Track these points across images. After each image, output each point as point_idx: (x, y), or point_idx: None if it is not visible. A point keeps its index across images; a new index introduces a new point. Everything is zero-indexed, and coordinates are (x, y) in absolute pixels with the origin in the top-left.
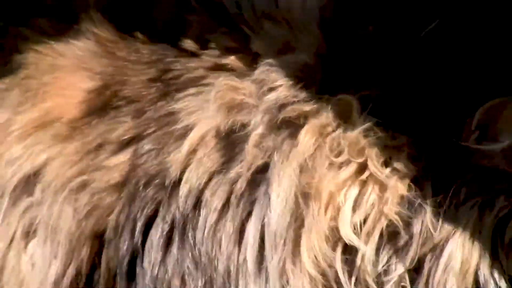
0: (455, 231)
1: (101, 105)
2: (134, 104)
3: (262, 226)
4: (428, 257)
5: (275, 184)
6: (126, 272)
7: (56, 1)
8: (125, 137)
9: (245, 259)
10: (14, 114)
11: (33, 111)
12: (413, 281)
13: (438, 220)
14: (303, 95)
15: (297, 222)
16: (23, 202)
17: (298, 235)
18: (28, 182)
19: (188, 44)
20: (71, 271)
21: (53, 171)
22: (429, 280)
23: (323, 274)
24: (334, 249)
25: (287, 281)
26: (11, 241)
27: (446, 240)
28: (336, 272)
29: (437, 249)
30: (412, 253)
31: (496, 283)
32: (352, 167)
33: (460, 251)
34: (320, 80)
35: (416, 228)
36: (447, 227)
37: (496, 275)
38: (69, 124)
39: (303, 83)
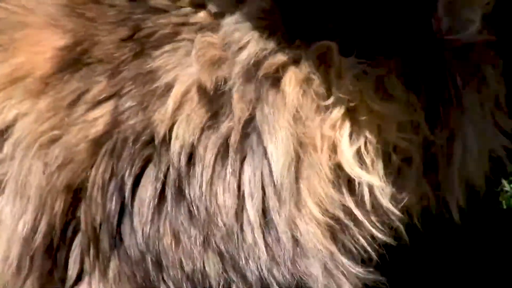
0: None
1: (73, 61)
2: (107, 64)
3: (262, 178)
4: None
5: (271, 136)
6: (115, 230)
7: None
8: (101, 97)
9: (248, 212)
10: None
11: (4, 66)
12: None
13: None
14: (272, 45)
15: (299, 171)
16: None
17: (301, 183)
18: None
19: (157, 1)
20: (43, 227)
21: (24, 127)
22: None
23: (332, 218)
24: (340, 190)
25: (297, 230)
26: None
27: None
28: (345, 213)
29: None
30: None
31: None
32: (342, 107)
33: (475, 139)
34: (282, 22)
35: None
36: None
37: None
38: (41, 79)
39: (268, 31)
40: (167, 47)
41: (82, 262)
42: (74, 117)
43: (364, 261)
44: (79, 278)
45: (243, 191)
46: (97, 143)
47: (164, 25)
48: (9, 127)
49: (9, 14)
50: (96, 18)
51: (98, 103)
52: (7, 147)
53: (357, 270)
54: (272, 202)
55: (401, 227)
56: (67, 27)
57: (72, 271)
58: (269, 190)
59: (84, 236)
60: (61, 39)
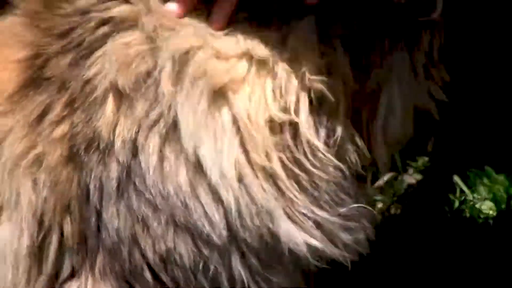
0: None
1: (35, 76)
2: (59, 76)
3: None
4: (365, 110)
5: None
6: (96, 230)
7: None
8: (62, 113)
9: (200, 184)
10: None
11: None
12: None
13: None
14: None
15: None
16: None
17: (244, 145)
18: None
19: (81, 2)
20: (39, 238)
21: (3, 149)
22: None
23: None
24: (280, 137)
25: (244, 186)
26: None
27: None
28: (289, 158)
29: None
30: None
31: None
32: (253, 64)
33: (399, 97)
34: None
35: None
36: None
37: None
38: (8, 99)
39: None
40: (98, 52)
41: (73, 262)
42: (45, 134)
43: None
44: (71, 275)
45: (193, 166)
46: (69, 159)
47: (92, 28)
48: None
49: None
50: (47, 29)
51: (60, 120)
52: None
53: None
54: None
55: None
56: (27, 39)
57: (65, 271)
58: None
59: (74, 239)
60: (22, 51)
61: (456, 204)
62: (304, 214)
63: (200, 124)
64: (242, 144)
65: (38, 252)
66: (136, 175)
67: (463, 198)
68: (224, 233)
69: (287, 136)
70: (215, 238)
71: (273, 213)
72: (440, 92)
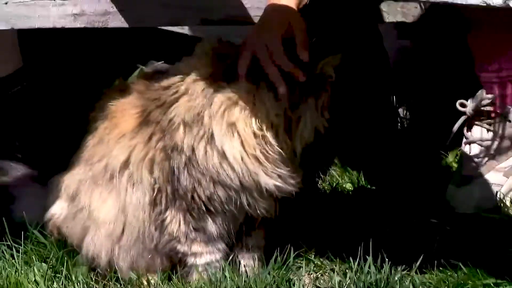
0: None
1: (144, 121)
2: (156, 119)
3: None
4: (294, 125)
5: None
6: (175, 188)
7: None
8: (160, 136)
9: (221, 163)
10: None
11: (112, 128)
12: None
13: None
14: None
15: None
16: None
17: (243, 144)
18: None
19: (164, 83)
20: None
21: (132, 156)
22: None
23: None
24: (258, 140)
25: (244, 163)
26: None
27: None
28: (262, 149)
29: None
30: None
31: None
32: (241, 109)
33: (309, 121)
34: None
35: None
36: None
37: None
38: (131, 132)
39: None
40: (174, 106)
41: (167, 203)
42: (152, 147)
43: None
44: (165, 209)
45: (220, 155)
46: (166, 157)
47: (170, 95)
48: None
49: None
50: (148, 98)
51: (159, 139)
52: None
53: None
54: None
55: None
56: (138, 104)
57: (163, 207)
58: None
59: (168, 193)
60: (135, 109)
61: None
62: (272, 172)
63: (223, 135)
64: (242, 144)
65: (153, 202)
66: (194, 159)
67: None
68: (238, 184)
69: (261, 139)
70: (234, 186)
71: (258, 173)
72: (325, 122)
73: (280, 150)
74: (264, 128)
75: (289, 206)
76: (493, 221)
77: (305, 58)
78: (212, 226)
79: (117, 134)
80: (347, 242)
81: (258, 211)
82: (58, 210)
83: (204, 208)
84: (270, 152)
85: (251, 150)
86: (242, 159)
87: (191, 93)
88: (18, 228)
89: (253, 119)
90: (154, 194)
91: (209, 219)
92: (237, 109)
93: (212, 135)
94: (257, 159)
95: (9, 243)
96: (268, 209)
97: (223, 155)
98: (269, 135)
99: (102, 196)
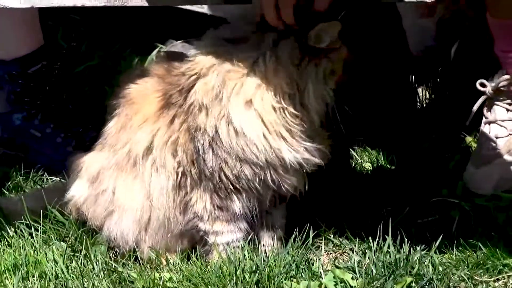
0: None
1: (165, 103)
2: (178, 103)
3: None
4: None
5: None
6: (201, 168)
7: None
8: (183, 119)
9: (244, 141)
10: None
11: (136, 111)
12: None
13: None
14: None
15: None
16: None
17: (263, 120)
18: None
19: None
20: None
21: (155, 140)
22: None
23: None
24: (278, 114)
25: (266, 139)
26: None
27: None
28: (284, 123)
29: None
30: None
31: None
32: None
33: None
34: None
35: None
36: None
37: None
38: (154, 114)
39: None
40: (192, 89)
41: (192, 184)
42: (175, 129)
43: None
44: (191, 191)
45: (241, 134)
46: (190, 139)
47: (187, 78)
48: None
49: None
50: (168, 82)
51: (182, 122)
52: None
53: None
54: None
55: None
56: (159, 88)
57: (189, 189)
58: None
59: (193, 173)
60: (157, 93)
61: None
62: (297, 146)
63: (241, 114)
64: (262, 121)
65: (177, 186)
66: (217, 139)
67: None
68: (264, 161)
69: (281, 112)
70: (260, 163)
71: (281, 149)
72: (330, 91)
73: (301, 122)
74: (282, 100)
75: (310, 184)
76: None
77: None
78: (236, 205)
79: (139, 119)
80: (366, 222)
81: (285, 188)
82: (79, 191)
83: (231, 187)
84: (293, 125)
85: (272, 126)
86: (264, 136)
87: (205, 75)
88: None
89: (269, 93)
90: (178, 179)
91: (235, 198)
92: (251, 84)
93: (231, 117)
94: (279, 134)
95: (28, 221)
96: (297, 185)
97: (244, 135)
98: (288, 107)
99: (127, 182)
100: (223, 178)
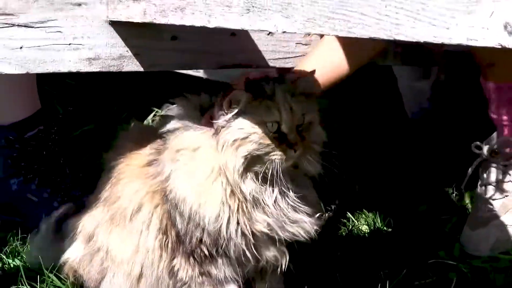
0: None
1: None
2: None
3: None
4: None
5: None
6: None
7: None
8: None
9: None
10: None
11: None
12: None
13: None
14: None
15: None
16: None
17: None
18: None
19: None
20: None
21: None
22: None
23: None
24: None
25: None
26: None
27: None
28: None
29: None
30: None
31: None
32: None
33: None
34: None
35: None
36: None
37: None
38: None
39: None
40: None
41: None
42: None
43: None
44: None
45: None
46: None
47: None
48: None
49: None
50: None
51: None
52: None
53: None
54: None
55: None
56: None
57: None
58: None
59: (173, 236)
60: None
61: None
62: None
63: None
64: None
65: (164, 247)
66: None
67: None
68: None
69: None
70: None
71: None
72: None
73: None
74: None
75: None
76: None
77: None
78: (216, 270)
79: (131, 174)
80: (364, 285)
81: (264, 258)
82: (74, 252)
83: (205, 252)
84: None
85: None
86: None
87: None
88: (34, 271)
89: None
90: (163, 239)
91: (213, 264)
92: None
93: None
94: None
95: (25, 286)
96: (279, 257)
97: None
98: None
99: (121, 236)
100: (193, 241)
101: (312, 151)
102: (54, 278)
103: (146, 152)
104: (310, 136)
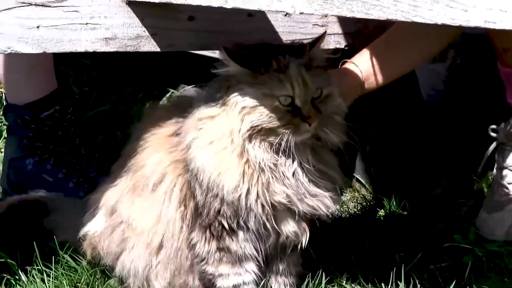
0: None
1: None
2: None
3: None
4: None
5: None
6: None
7: None
8: None
9: None
10: None
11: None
12: None
13: None
14: None
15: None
16: None
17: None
18: None
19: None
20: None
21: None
22: None
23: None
24: None
25: None
26: None
27: None
28: None
29: None
30: None
31: None
32: None
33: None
34: None
35: None
36: None
37: None
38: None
39: None
40: None
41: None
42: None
43: None
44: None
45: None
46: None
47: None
48: None
49: None
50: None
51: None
52: None
53: None
54: None
55: None
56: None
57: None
58: None
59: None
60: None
61: None
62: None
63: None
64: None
65: (183, 218)
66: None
67: None
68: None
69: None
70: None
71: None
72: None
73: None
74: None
75: (322, 230)
76: None
77: None
78: (236, 246)
79: (156, 143)
80: (379, 268)
81: (285, 233)
82: (95, 225)
83: (223, 225)
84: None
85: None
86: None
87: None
88: (49, 252)
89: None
90: (184, 211)
91: (232, 237)
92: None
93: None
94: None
95: (40, 267)
96: (298, 232)
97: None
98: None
99: (143, 206)
100: (211, 213)
101: (334, 122)
102: (69, 259)
103: (172, 121)
104: (327, 109)
